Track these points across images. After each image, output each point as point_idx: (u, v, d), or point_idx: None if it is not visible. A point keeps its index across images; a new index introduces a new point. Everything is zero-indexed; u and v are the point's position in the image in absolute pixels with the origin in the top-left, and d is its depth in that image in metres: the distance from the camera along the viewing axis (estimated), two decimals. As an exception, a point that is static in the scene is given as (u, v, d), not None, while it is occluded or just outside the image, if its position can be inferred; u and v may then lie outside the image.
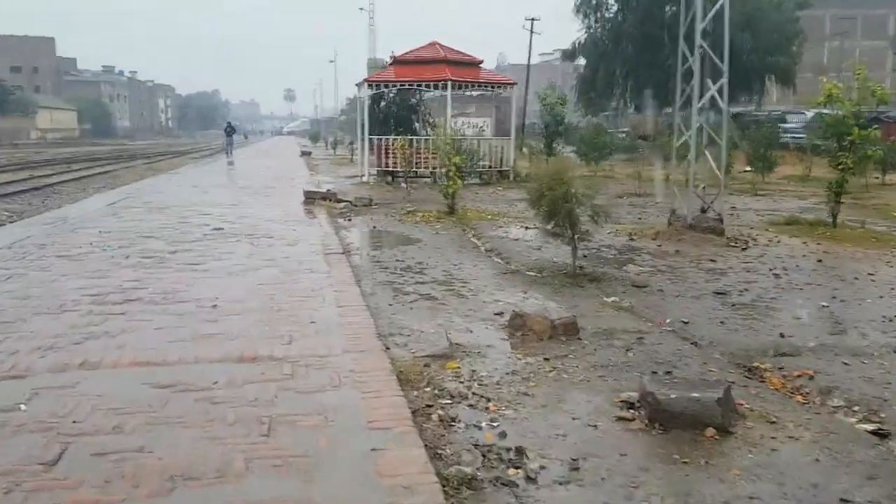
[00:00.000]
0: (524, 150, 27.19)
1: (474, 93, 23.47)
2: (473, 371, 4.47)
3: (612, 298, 6.49)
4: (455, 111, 24.89)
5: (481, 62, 21.30)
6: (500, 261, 8.46)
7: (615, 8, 40.06)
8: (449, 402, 3.95)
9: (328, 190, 15.45)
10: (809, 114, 44.78)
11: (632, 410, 3.77)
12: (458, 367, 4.54)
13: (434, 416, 3.72)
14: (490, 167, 20.24)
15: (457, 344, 5.00)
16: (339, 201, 14.64)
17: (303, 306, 5.93)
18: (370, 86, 20.16)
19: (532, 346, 5.01)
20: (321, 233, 10.35)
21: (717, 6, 9.44)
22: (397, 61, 21.01)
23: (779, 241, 9.52)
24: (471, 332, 5.40)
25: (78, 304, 5.83)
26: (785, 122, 40.01)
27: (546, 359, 4.69)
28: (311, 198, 14.66)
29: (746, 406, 3.91)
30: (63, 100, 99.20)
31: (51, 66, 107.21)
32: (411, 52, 21.16)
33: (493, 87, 21.11)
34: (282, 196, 15.79)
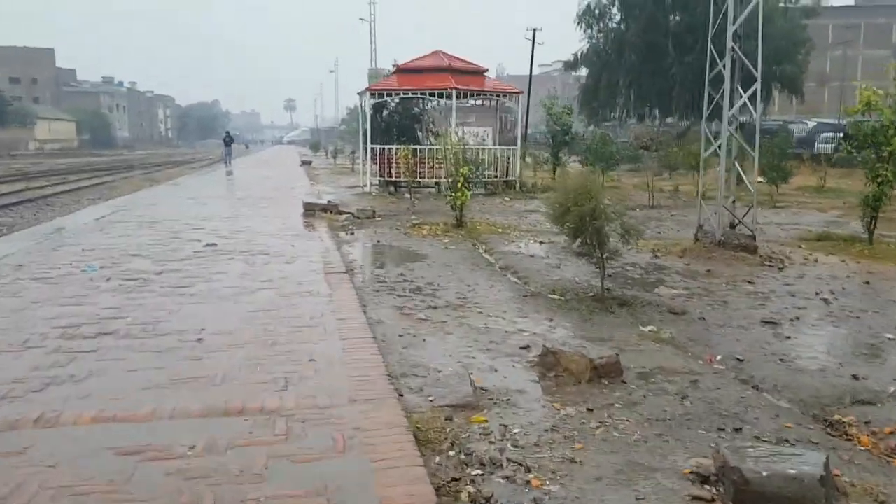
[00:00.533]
0: (528, 159, 26.55)
1: (477, 102, 22.89)
2: (505, 427, 3.75)
3: (650, 328, 5.77)
4: (457, 120, 24.33)
5: (486, 71, 20.65)
6: (517, 281, 7.75)
7: (618, 17, 39.53)
8: (480, 472, 3.22)
9: (329, 201, 14.77)
10: (811, 123, 44.34)
11: (707, 487, 3.05)
12: (487, 421, 3.82)
13: (463, 495, 2.99)
14: (496, 177, 19.56)
15: (482, 389, 4.28)
16: (341, 213, 13.95)
17: (301, 339, 5.22)
18: (373, 95, 19.51)
19: (569, 390, 4.29)
20: (322, 248, 9.64)
21: (752, 6, 8.78)
22: (400, 70, 20.38)
23: (816, 261, 8.81)
24: (496, 371, 4.68)
25: (45, 339, 5.11)
26: (787, 131, 39.54)
27: (589, 409, 3.97)
28: (311, 209, 13.96)
29: (845, 479, 3.19)
30: (62, 111, 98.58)
31: (50, 77, 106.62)
32: (414, 60, 20.53)
33: (498, 96, 20.46)
34: (280, 208, 15.09)
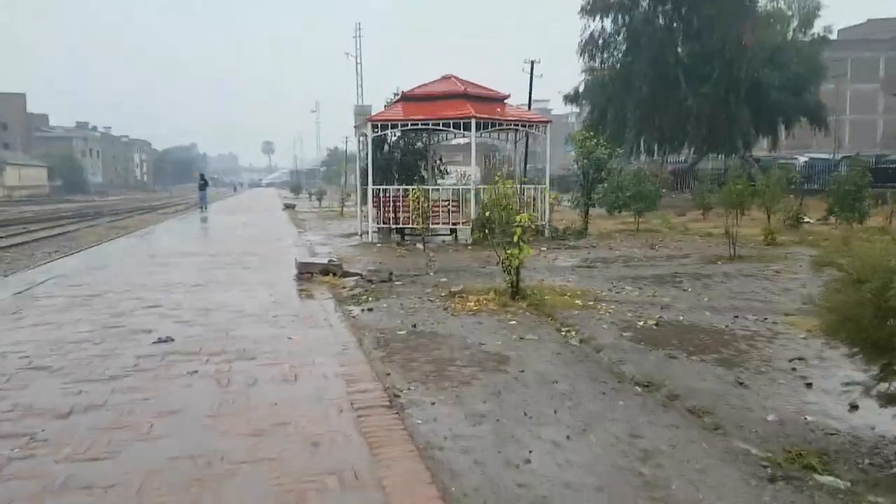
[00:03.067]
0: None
1: (461, 140, 20.32)
2: None
3: None
4: (446, 159, 21.60)
5: (507, 97, 17.63)
6: (701, 421, 4.42)
7: (624, 47, 37.08)
8: None
9: (330, 260, 11.42)
10: (803, 158, 42.11)
11: None
12: None
13: None
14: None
15: None
16: (346, 275, 10.64)
17: None
18: (374, 126, 16.34)
19: None
20: (336, 345, 6.30)
21: None
22: (406, 97, 17.27)
23: None
24: None
25: None
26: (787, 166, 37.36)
27: None
28: (306, 271, 10.63)
29: None
30: (33, 156, 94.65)
31: (21, 122, 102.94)
32: (422, 86, 17.46)
33: (523, 125, 17.43)
34: (266, 269, 11.72)
